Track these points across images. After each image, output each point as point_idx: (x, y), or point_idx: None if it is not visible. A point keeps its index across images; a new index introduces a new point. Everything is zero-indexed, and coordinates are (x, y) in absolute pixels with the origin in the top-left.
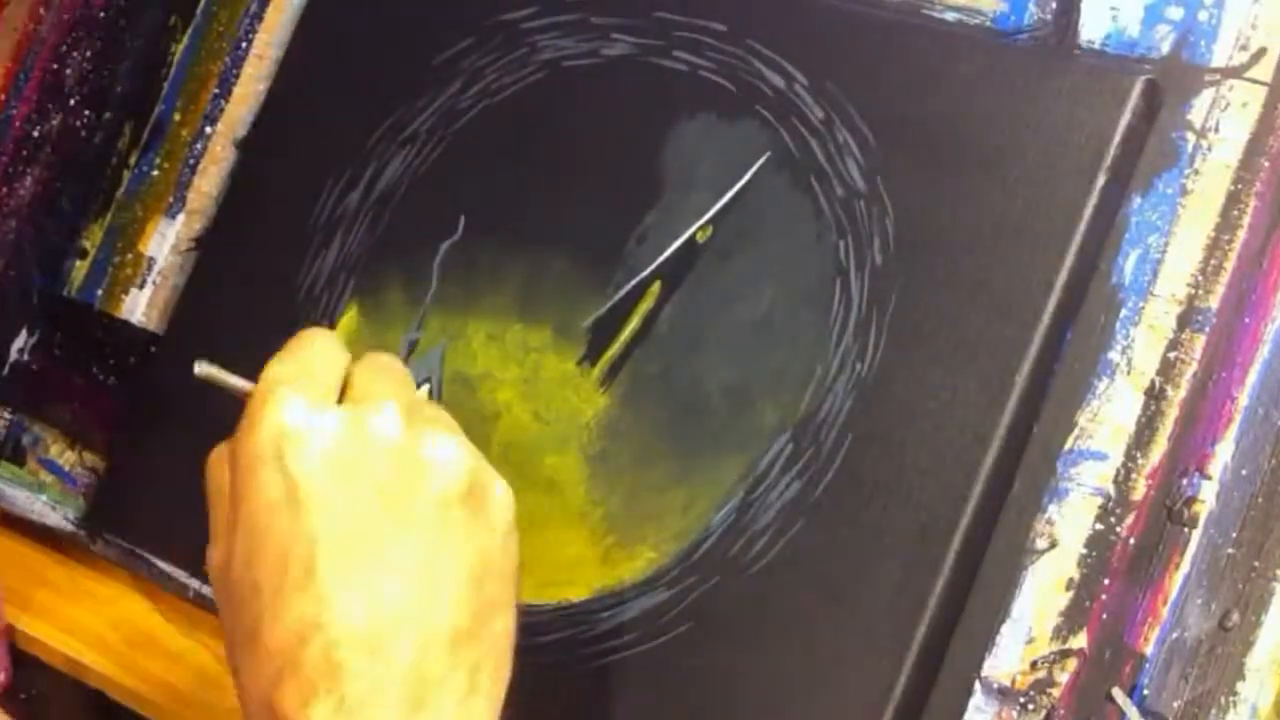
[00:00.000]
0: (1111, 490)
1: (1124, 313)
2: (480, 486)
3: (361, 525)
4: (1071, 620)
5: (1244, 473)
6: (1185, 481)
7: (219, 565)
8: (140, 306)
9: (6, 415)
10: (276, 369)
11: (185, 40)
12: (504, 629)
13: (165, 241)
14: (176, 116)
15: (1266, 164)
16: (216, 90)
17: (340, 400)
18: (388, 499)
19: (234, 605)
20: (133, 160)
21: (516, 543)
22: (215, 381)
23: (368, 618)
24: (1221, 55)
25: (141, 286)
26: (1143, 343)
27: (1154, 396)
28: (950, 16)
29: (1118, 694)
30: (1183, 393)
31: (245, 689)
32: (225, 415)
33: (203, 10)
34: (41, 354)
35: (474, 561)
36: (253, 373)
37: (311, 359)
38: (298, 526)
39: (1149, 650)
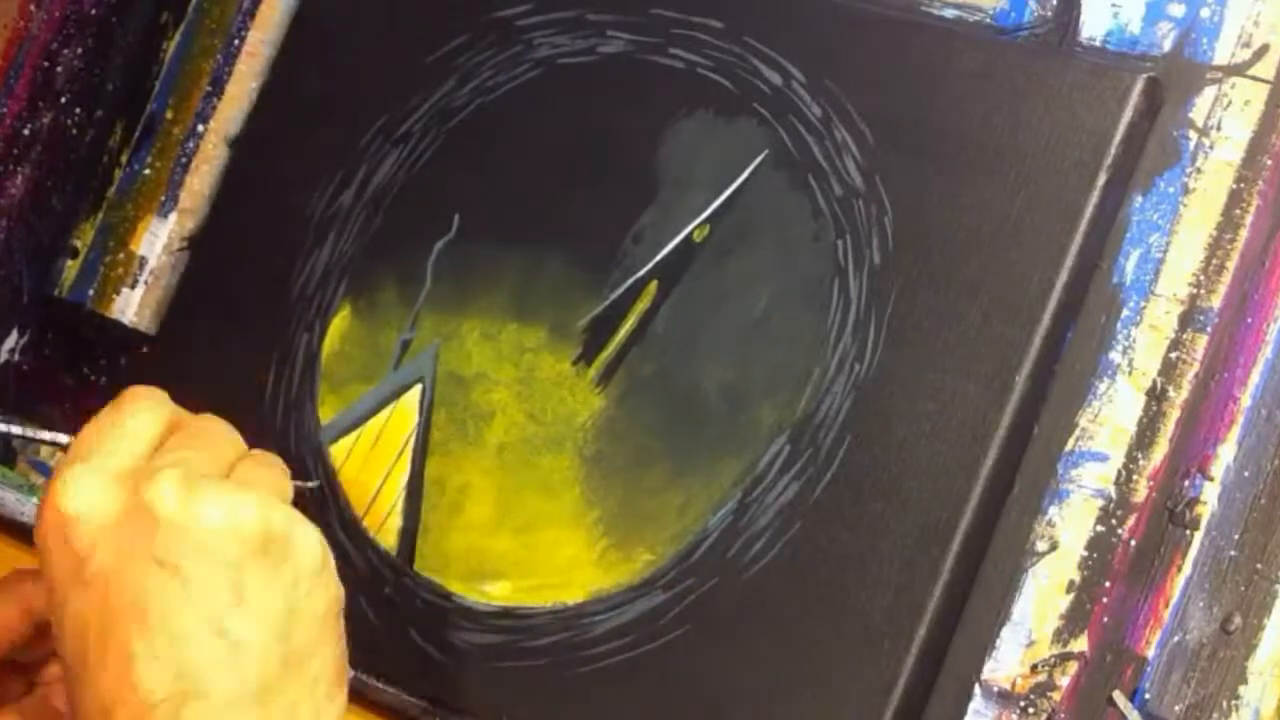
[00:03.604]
0: (1112, 492)
1: (1125, 313)
2: (277, 538)
3: (148, 596)
4: (1072, 623)
5: (1246, 474)
6: (1187, 483)
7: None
8: (132, 306)
9: None
10: (75, 446)
11: (177, 37)
12: (321, 669)
13: (157, 241)
14: (168, 114)
15: (1269, 162)
16: (209, 88)
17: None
18: (169, 567)
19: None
20: (124, 159)
21: (328, 583)
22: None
23: (166, 684)
24: (1224, 53)
25: (133, 286)
26: (1144, 343)
27: (1155, 397)
28: (950, 14)
29: (1119, 697)
30: (1184, 393)
31: None
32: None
33: (194, 7)
34: (32, 354)
35: (276, 613)
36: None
37: (113, 433)
38: (88, 604)
39: (1150, 653)
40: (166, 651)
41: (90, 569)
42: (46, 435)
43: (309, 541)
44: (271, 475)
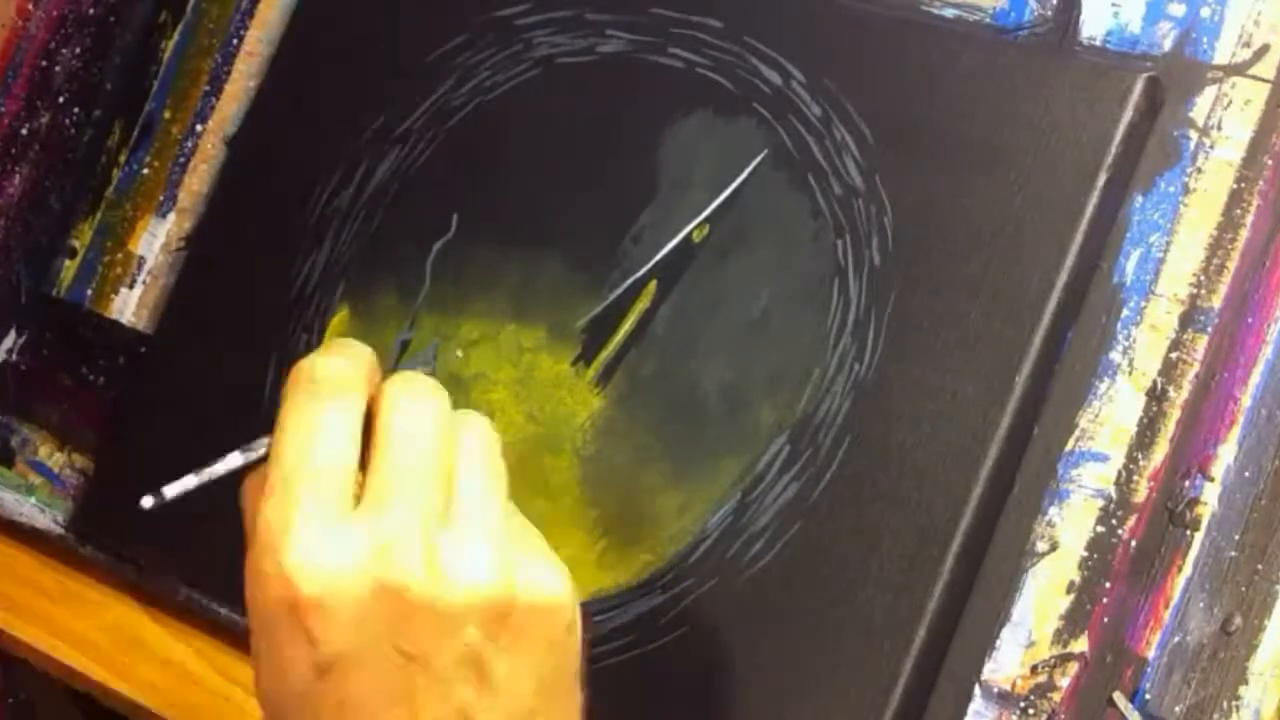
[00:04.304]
0: (1113, 492)
1: (1125, 313)
2: (522, 603)
3: (391, 689)
4: (1072, 624)
5: (1247, 474)
6: (1187, 483)
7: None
8: (130, 306)
9: None
10: (281, 467)
11: (175, 37)
12: None
13: (155, 240)
14: (167, 114)
15: (1270, 162)
16: (207, 87)
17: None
18: (413, 658)
19: None
20: (123, 158)
21: (575, 641)
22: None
23: None
24: (1224, 52)
25: (131, 286)
26: (1144, 343)
27: (1156, 397)
28: (950, 13)
29: (1119, 698)
30: (1185, 393)
31: None
32: (217, 416)
33: (193, 7)
34: (30, 354)
35: (523, 695)
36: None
37: (315, 465)
38: (324, 693)
39: (1150, 654)
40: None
41: (327, 655)
42: (220, 468)
43: (557, 598)
44: (499, 505)
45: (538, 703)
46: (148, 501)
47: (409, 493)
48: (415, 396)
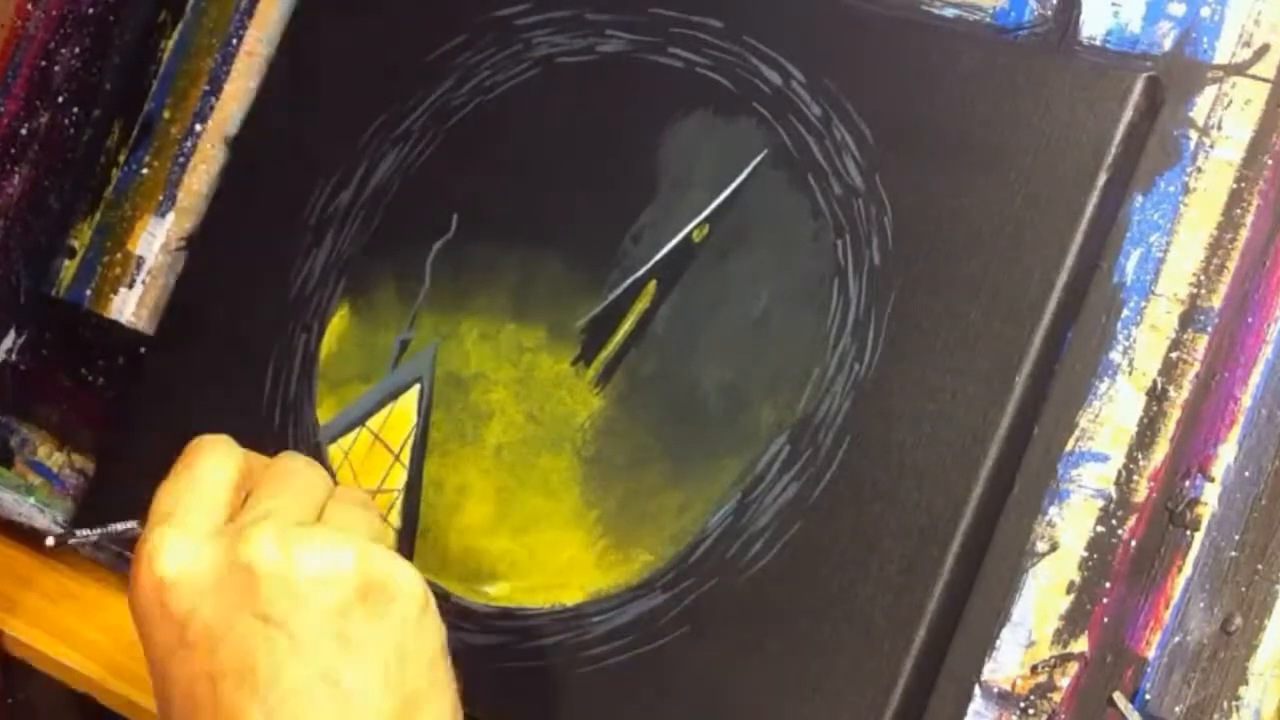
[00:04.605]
0: (1113, 492)
1: (1125, 312)
2: (377, 582)
3: (253, 655)
4: (1072, 624)
5: (1247, 474)
6: (1187, 483)
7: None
8: (130, 306)
9: None
10: (157, 504)
11: (175, 37)
12: (437, 712)
13: (155, 240)
14: (166, 114)
15: (1270, 162)
16: (207, 87)
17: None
18: (274, 623)
19: None
20: (122, 158)
21: (433, 622)
22: (91, 540)
23: None
24: (1224, 52)
25: (131, 286)
26: (1144, 343)
27: (1156, 397)
28: (950, 13)
29: (1119, 698)
30: (1185, 393)
31: None
32: (215, 416)
33: (192, 7)
34: (29, 354)
35: (386, 661)
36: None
37: (194, 489)
38: (194, 668)
39: (1151, 654)
40: (280, 708)
41: (192, 632)
42: (119, 526)
43: (410, 582)
44: (364, 516)
45: (403, 672)
46: (50, 541)
47: (270, 503)
48: (301, 456)
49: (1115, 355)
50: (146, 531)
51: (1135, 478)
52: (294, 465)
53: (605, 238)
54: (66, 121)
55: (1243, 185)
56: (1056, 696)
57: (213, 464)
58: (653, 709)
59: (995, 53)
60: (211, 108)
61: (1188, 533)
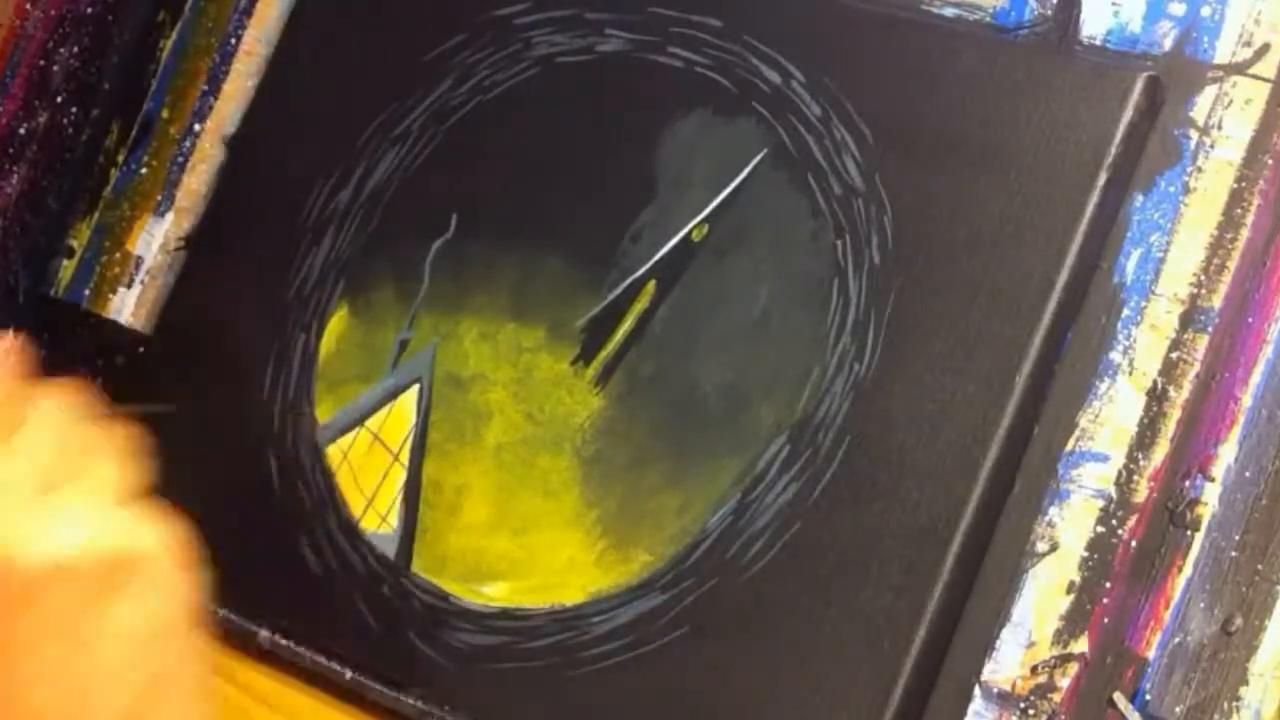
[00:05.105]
0: (1113, 492)
1: (1126, 312)
2: (119, 557)
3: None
4: (1072, 624)
5: (1247, 474)
6: (1188, 483)
7: None
8: (128, 306)
9: None
10: None
11: (174, 36)
12: (189, 686)
13: (153, 240)
14: (165, 114)
15: (1270, 161)
16: (205, 87)
17: None
18: (9, 619)
19: None
20: (121, 158)
21: (180, 589)
22: None
23: None
24: (1225, 51)
25: (129, 286)
26: (1144, 343)
27: (1156, 397)
28: (950, 12)
29: (1119, 699)
30: (1185, 393)
31: None
32: (213, 416)
33: (191, 6)
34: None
35: (131, 639)
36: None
37: None
38: None
39: (1151, 655)
40: (16, 705)
41: None
42: (158, 407)
43: (160, 548)
44: (109, 472)
45: (147, 655)
46: None
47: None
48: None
49: (1115, 355)
50: None
51: (1135, 478)
52: (40, 415)
53: (605, 237)
54: (65, 121)
55: (1243, 185)
56: (1056, 697)
57: None
58: (652, 709)
59: (995, 52)
60: (210, 107)
61: (1188, 533)
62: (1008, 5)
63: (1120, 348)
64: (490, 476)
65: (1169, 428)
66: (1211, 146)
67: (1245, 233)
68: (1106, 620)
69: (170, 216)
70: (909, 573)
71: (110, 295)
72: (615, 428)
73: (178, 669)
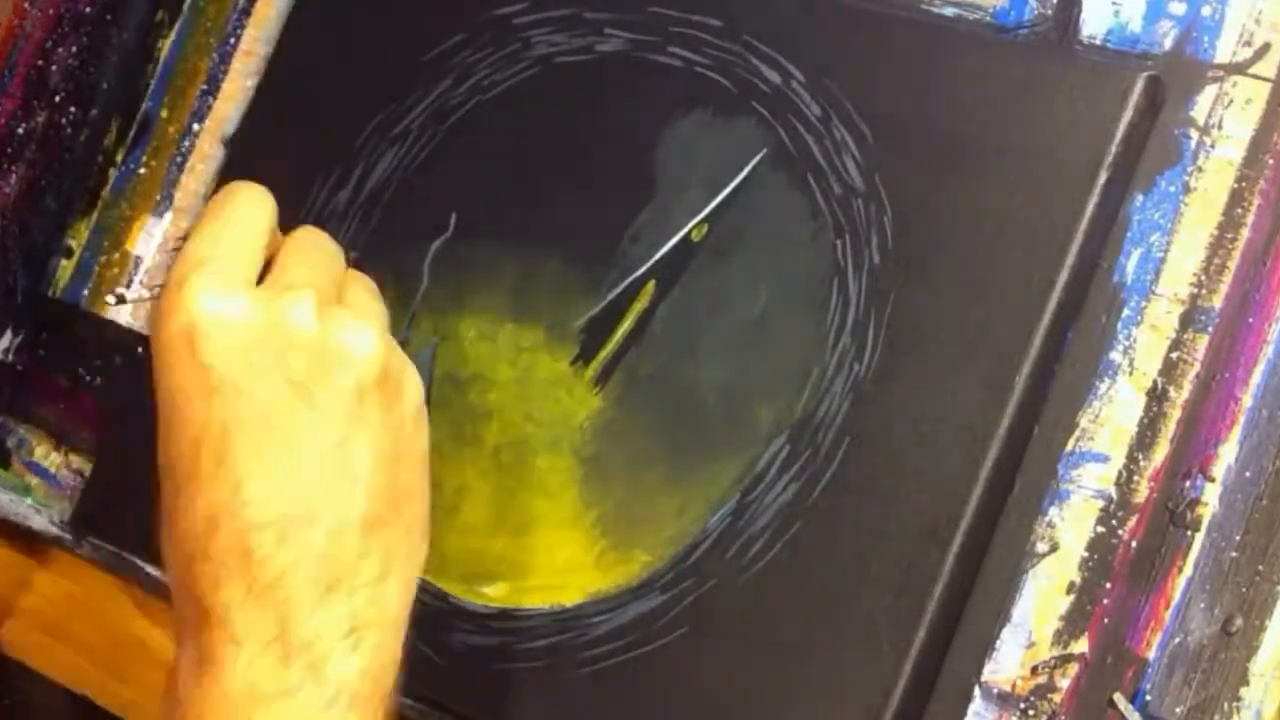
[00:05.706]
0: (1113, 492)
1: (1126, 312)
2: (393, 375)
3: (273, 415)
4: (1073, 624)
5: (1248, 475)
6: (1188, 484)
7: (158, 447)
8: (127, 306)
9: None
10: (194, 247)
11: (173, 36)
12: (419, 513)
13: (152, 240)
14: (164, 113)
15: (1271, 161)
16: (204, 87)
17: (262, 277)
18: (300, 389)
19: (161, 488)
20: (119, 158)
21: (426, 429)
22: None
23: (277, 505)
24: (1225, 51)
25: (128, 286)
26: (1145, 343)
27: (1156, 397)
28: (949, 11)
29: (1119, 699)
30: (1185, 394)
31: (168, 569)
32: None
33: (190, 6)
34: (26, 355)
35: (388, 449)
36: None
37: (232, 235)
38: (209, 415)
39: (1151, 655)
40: (284, 474)
41: (215, 378)
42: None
43: (415, 382)
44: (379, 307)
45: (397, 464)
46: (111, 300)
47: (306, 272)
48: (319, 231)
49: (1115, 355)
50: (180, 272)
51: (1135, 478)
52: (319, 240)
53: (604, 237)
54: (64, 121)
55: (1243, 185)
56: (1057, 697)
57: (250, 212)
58: (651, 710)
59: (995, 52)
60: (209, 107)
61: (1188, 533)
62: (1008, 5)
63: (1120, 348)
64: (489, 477)
65: (1169, 428)
66: (1212, 146)
67: (1245, 233)
68: (1106, 620)
69: (169, 216)
70: (909, 573)
71: (109, 295)
72: (614, 428)
73: (416, 493)
